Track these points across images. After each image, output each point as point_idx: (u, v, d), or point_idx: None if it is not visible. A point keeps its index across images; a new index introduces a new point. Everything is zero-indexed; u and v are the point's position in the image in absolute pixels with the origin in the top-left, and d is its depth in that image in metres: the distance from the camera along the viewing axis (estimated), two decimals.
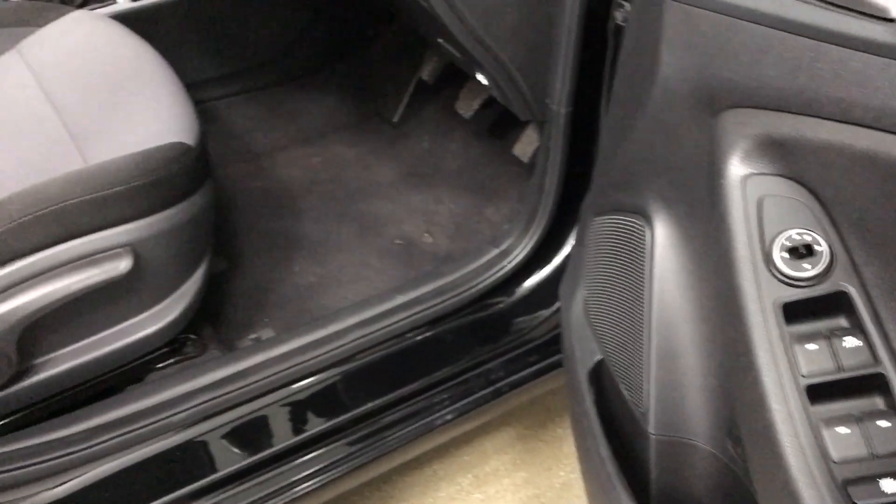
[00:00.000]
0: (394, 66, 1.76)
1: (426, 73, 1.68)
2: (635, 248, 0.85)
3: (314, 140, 1.72)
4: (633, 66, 0.82)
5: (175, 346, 1.21)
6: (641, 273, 0.84)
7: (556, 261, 1.27)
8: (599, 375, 0.94)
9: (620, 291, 0.90)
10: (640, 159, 0.82)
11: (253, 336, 1.32)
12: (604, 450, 0.89)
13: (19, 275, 0.98)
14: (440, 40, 1.28)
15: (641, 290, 0.84)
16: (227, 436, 1.11)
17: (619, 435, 0.92)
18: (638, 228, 0.84)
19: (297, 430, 1.13)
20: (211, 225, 1.20)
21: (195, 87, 1.25)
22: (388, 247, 1.51)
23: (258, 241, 1.50)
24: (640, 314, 0.85)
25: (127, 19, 1.38)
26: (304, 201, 1.59)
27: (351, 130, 1.75)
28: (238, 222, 1.53)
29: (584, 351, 0.96)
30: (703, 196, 0.73)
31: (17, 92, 1.20)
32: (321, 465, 1.14)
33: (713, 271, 0.74)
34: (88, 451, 1.02)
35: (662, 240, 0.81)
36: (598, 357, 0.94)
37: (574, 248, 1.06)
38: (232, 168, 1.62)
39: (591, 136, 1.18)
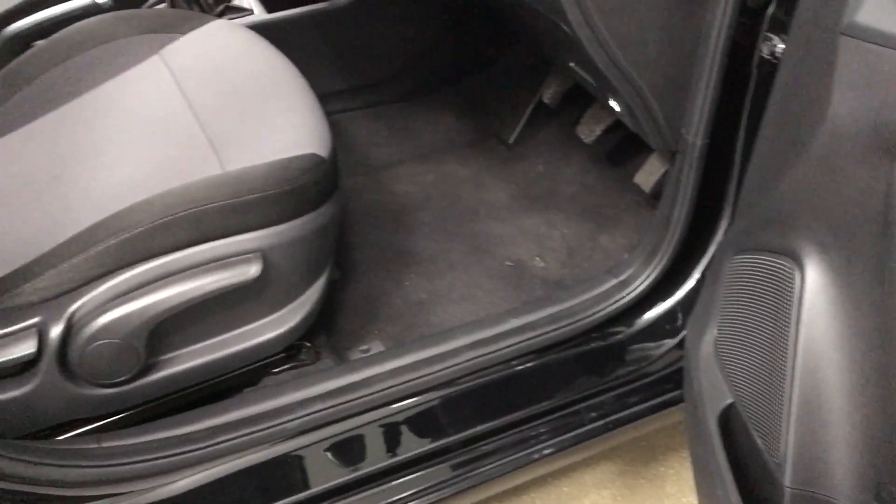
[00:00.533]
0: (514, 88, 1.76)
1: (548, 95, 1.67)
2: (781, 291, 0.81)
3: (430, 157, 1.73)
4: (794, 103, 0.79)
5: (291, 352, 1.23)
6: (787, 318, 0.80)
7: (679, 295, 1.23)
8: (729, 419, 0.91)
9: (759, 334, 0.86)
10: (796, 199, 0.79)
11: (363, 347, 1.33)
12: (734, 497, 0.85)
13: (155, 273, 1.01)
14: (571, 64, 1.26)
15: (785, 335, 0.81)
16: (332, 448, 1.12)
17: (747, 483, 0.88)
18: (786, 271, 0.80)
19: (398, 450, 1.13)
20: (336, 236, 1.21)
21: (322, 99, 1.27)
22: (499, 268, 1.50)
23: (371, 252, 1.51)
24: (782, 360, 0.82)
25: (262, 30, 1.41)
26: (417, 217, 1.60)
27: (466, 149, 1.75)
28: (352, 233, 1.54)
29: (713, 393, 0.93)
30: (868, 245, 0.70)
31: (158, 95, 1.24)
32: (420, 488, 1.13)
33: (876, 324, 0.70)
34: (206, 450, 1.04)
35: (814, 285, 0.77)
36: (729, 400, 0.91)
37: (706, 284, 1.02)
38: (350, 180, 1.64)
39: (723, 169, 1.15)
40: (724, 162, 1.14)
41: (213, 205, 1.02)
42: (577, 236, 1.57)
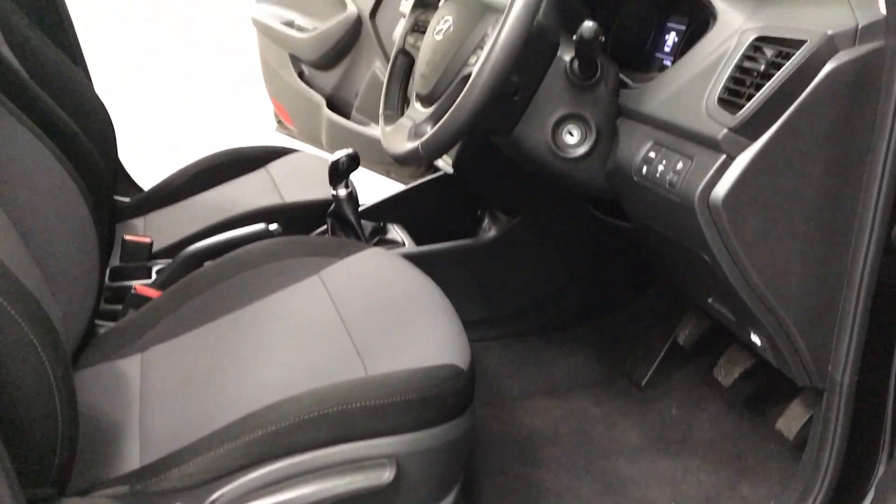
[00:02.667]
0: (647, 329, 1.78)
1: (682, 337, 1.68)
2: None
3: (560, 392, 1.73)
4: None
5: None
6: None
7: None
8: None
9: None
10: None
11: None
12: None
13: (295, 469, 1.03)
14: (710, 300, 1.28)
15: None
16: None
17: None
18: None
19: None
20: (468, 451, 1.21)
21: None
22: None
23: (497, 482, 1.48)
24: None
25: (412, 259, 1.52)
26: (545, 451, 1.57)
27: (598, 388, 1.75)
28: (479, 461, 1.53)
29: None
30: None
31: (314, 309, 1.34)
32: None
33: None
34: None
35: None
36: None
37: None
38: (479, 410, 1.65)
39: (876, 404, 1.10)
40: (877, 396, 1.09)
41: (356, 405, 1.05)
42: (716, 484, 1.49)
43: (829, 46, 0.95)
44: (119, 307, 1.54)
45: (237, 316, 1.37)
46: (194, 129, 4.11)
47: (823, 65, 0.95)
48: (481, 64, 1.05)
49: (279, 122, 3.17)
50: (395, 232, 1.76)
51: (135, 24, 5.19)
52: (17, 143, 1.26)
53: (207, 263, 1.53)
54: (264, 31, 2.92)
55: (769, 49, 1.00)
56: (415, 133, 1.17)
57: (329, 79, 2.75)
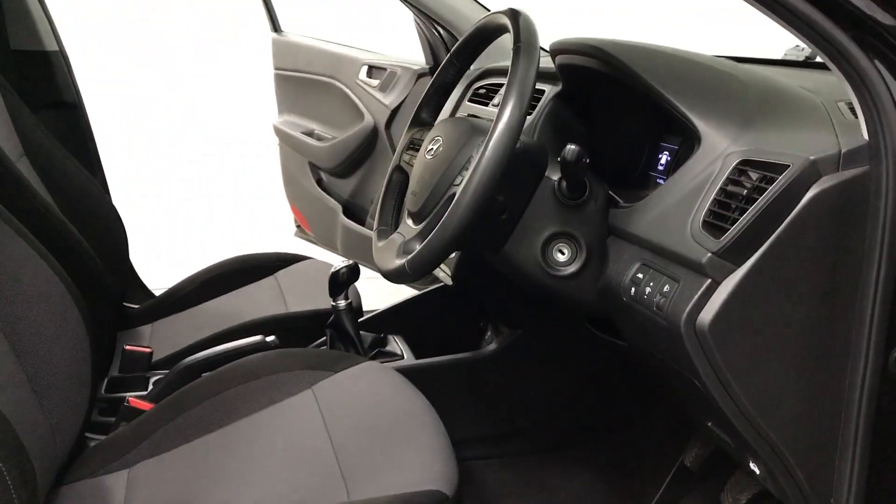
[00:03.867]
0: (655, 450, 1.72)
1: (690, 458, 1.62)
2: None
3: None
4: None
5: None
6: None
7: None
8: None
9: None
10: None
11: None
12: None
13: None
14: (710, 423, 1.24)
15: None
16: None
17: None
18: None
19: None
20: None
21: (458, 445, 1.29)
22: None
23: None
24: None
25: (409, 373, 1.50)
26: None
27: None
28: None
29: None
30: None
31: (304, 427, 1.32)
32: None
33: None
34: None
35: None
36: None
37: None
38: None
39: None
40: None
41: None
42: None
43: (813, 171, 0.94)
44: (113, 419, 1.53)
45: (227, 432, 1.35)
46: (217, 232, 4.19)
47: (807, 189, 0.94)
48: (465, 184, 1.06)
49: (298, 227, 3.21)
50: (395, 344, 1.74)
51: (169, 137, 5.39)
52: (13, 255, 1.28)
53: (205, 375, 1.52)
54: (285, 139, 3.00)
55: (754, 173, 0.99)
56: (403, 250, 1.18)
57: (346, 186, 2.80)
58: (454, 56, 1.37)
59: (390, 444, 1.24)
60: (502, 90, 1.67)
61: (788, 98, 1.13)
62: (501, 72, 1.74)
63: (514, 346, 1.70)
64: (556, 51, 1.39)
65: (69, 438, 1.30)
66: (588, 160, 1.13)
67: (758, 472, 1.16)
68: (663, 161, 1.31)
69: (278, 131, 3.00)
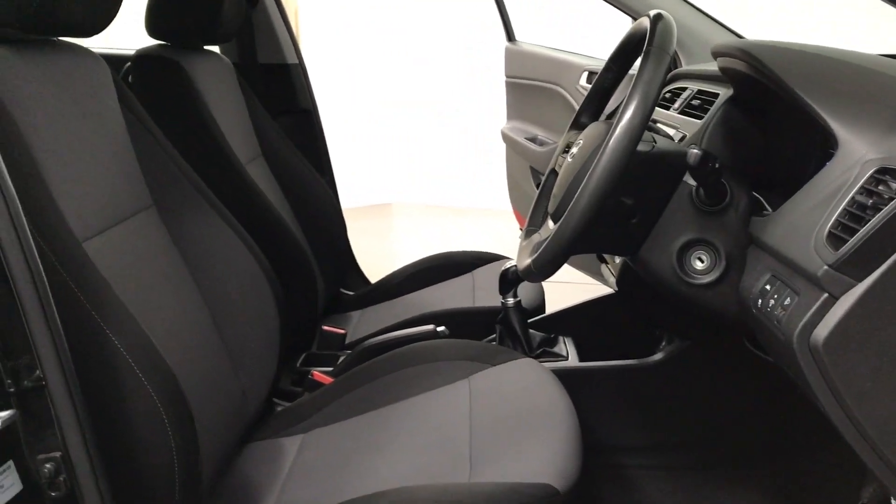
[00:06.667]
0: (833, 483, 1.58)
1: (867, 494, 1.47)
2: None
3: None
4: None
5: None
6: None
7: None
8: None
9: None
10: None
11: None
12: None
13: None
14: None
15: None
16: None
17: None
18: None
19: None
20: None
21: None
22: None
23: None
24: None
25: (568, 375, 1.53)
26: None
27: None
28: None
29: None
30: None
31: (452, 412, 1.40)
32: None
33: None
34: None
35: None
36: None
37: None
38: None
39: None
40: None
41: None
42: None
43: None
44: (300, 389, 1.72)
45: (387, 410, 1.47)
46: (459, 236, 4.43)
47: None
48: (581, 187, 1.08)
49: (521, 230, 3.31)
50: (563, 345, 1.76)
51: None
52: (224, 243, 1.49)
53: (379, 357, 1.66)
54: (511, 144, 3.11)
55: (893, 182, 0.91)
56: (535, 250, 1.22)
57: None
58: (611, 60, 1.38)
59: (521, 436, 1.28)
60: (685, 94, 1.64)
61: None
62: (688, 75, 1.70)
63: (680, 358, 1.65)
64: (715, 53, 1.35)
65: (257, 402, 1.50)
66: (717, 164, 1.09)
67: None
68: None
69: (505, 137, 3.12)
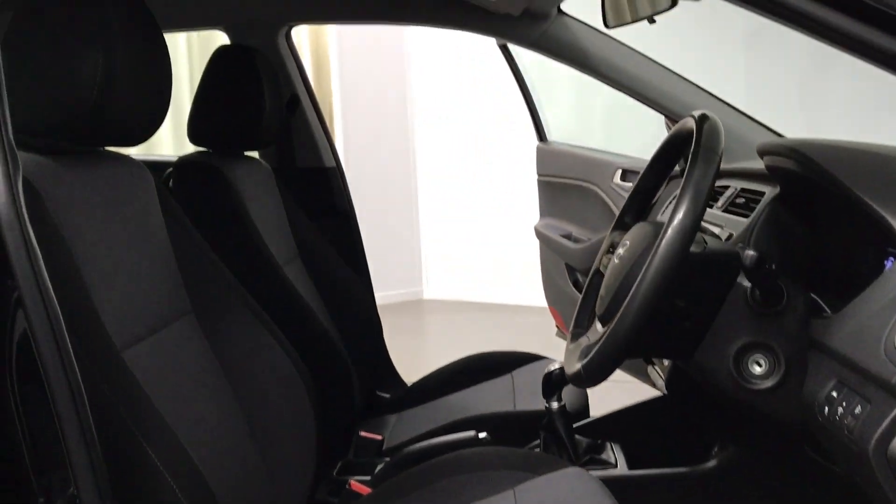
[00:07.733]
0: None
1: None
2: None
3: None
4: None
5: None
6: None
7: None
8: None
9: None
10: None
11: None
12: None
13: None
14: None
15: None
16: None
17: None
18: None
19: None
20: None
21: None
22: None
23: None
24: None
25: (617, 484, 1.45)
26: None
27: None
28: None
29: None
30: None
31: None
32: None
33: None
34: None
35: None
36: None
37: None
38: None
39: None
40: None
41: None
42: None
43: None
44: (336, 501, 1.66)
45: None
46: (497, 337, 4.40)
47: None
48: (633, 289, 1.04)
49: (558, 329, 3.26)
50: (611, 451, 1.69)
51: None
52: (258, 344, 1.47)
53: (419, 466, 1.60)
54: (545, 241, 3.10)
55: None
56: (584, 354, 1.17)
57: None
58: (654, 160, 1.37)
59: None
60: (728, 192, 1.61)
61: None
62: (730, 174, 1.68)
63: (733, 466, 1.57)
64: (761, 152, 1.33)
65: None
66: (773, 265, 1.06)
67: None
68: (888, 268, 1.18)
69: (539, 234, 3.11)
